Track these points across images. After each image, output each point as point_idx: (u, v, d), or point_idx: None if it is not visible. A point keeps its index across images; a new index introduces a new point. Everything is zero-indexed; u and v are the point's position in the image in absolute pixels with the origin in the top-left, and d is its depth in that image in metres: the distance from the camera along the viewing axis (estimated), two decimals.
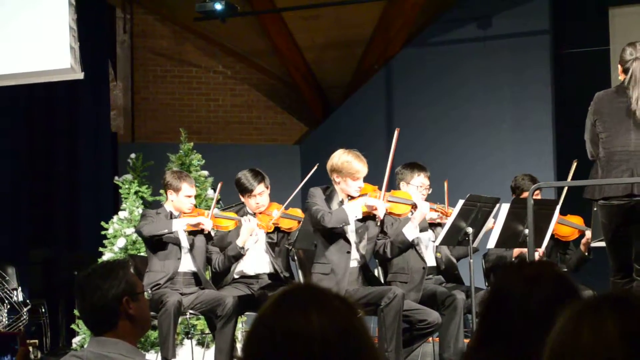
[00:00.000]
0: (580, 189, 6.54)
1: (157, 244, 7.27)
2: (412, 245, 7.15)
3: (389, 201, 6.99)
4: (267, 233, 7.39)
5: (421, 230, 7.20)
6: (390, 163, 6.95)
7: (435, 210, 7.28)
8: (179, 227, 7.22)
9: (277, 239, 7.45)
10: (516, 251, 7.75)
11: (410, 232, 7.05)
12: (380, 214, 6.80)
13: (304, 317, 1.68)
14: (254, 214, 7.39)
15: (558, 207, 7.24)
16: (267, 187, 7.39)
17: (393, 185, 7.58)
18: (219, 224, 7.40)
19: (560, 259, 7.92)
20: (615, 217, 6.16)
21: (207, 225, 7.27)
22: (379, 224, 7.00)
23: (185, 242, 7.33)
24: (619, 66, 6.21)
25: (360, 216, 6.82)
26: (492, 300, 2.25)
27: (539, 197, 7.83)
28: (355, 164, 6.84)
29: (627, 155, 6.09)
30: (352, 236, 6.94)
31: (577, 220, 7.89)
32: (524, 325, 2.16)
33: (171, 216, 7.34)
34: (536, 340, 2.14)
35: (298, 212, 7.43)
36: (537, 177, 7.94)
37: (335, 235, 6.88)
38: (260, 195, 7.34)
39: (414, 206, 7.09)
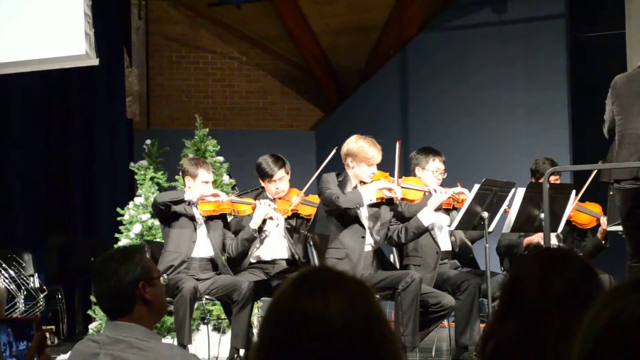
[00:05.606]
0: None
1: (170, 216, 7.26)
2: (427, 231, 7.14)
3: (402, 187, 7.01)
4: (286, 219, 7.38)
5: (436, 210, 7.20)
6: (397, 174, 6.98)
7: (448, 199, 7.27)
8: (192, 197, 7.18)
9: (296, 225, 7.44)
10: (526, 241, 7.76)
11: (426, 217, 7.03)
12: (397, 194, 6.82)
13: (322, 300, 1.67)
14: (273, 199, 7.38)
15: (573, 192, 7.22)
16: (287, 173, 7.37)
17: (408, 172, 7.57)
18: (237, 208, 7.39)
19: (576, 245, 7.90)
20: (627, 200, 6.16)
21: (222, 197, 7.23)
22: (396, 208, 7.02)
23: (200, 218, 7.31)
24: None
25: (374, 200, 6.83)
26: (511, 283, 2.24)
27: (558, 181, 7.83)
28: (372, 150, 6.89)
29: (636, 138, 6.07)
30: (366, 221, 6.94)
31: (595, 208, 7.86)
32: (543, 308, 2.16)
33: (188, 203, 7.34)
34: (555, 322, 2.14)
35: (317, 199, 7.41)
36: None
37: (350, 220, 6.89)
38: (280, 180, 7.33)
39: (431, 192, 7.09)
